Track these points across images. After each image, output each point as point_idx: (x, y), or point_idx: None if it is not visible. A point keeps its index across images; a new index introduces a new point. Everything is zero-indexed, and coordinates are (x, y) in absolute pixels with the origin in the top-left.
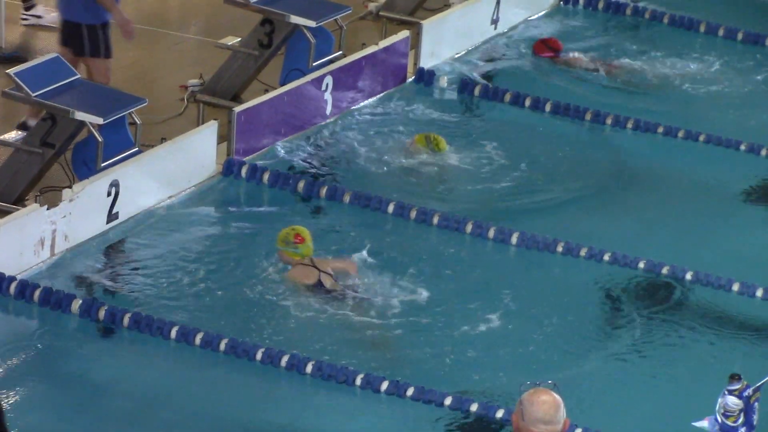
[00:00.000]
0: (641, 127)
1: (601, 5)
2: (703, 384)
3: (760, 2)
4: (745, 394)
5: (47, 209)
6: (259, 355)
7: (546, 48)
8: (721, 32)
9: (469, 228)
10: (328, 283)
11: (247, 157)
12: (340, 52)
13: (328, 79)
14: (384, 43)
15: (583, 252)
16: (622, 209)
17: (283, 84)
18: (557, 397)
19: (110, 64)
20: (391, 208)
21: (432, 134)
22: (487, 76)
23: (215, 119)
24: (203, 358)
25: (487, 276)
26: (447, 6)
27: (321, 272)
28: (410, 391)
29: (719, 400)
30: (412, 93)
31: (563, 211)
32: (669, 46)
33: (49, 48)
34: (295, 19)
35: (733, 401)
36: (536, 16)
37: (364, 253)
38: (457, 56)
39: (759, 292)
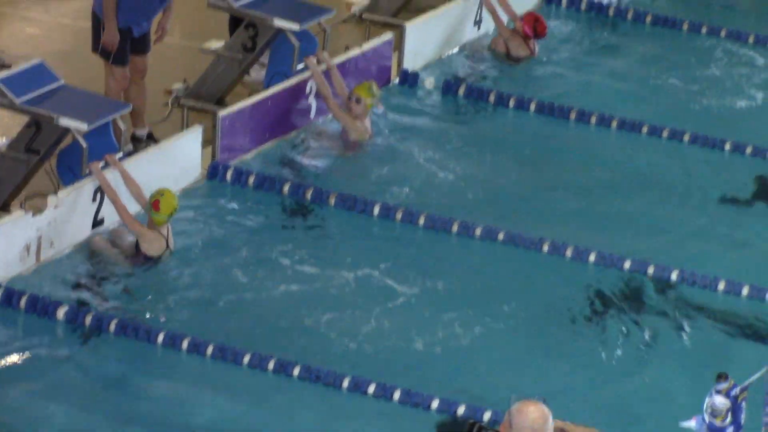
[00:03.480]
0: (626, 125)
1: (583, 5)
2: (690, 383)
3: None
4: (733, 393)
5: (32, 215)
6: (246, 360)
7: (531, 26)
8: (704, 30)
9: (455, 228)
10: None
11: (232, 161)
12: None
13: (312, 83)
14: (367, 46)
15: (568, 251)
16: (608, 209)
17: (267, 87)
18: (546, 409)
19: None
20: (376, 209)
21: (367, 82)
22: (471, 76)
23: (200, 123)
24: (190, 362)
25: (473, 275)
26: (430, 8)
27: (167, 241)
28: (397, 394)
29: (707, 399)
30: (397, 95)
31: (549, 211)
32: (647, 47)
33: (33, 54)
34: (279, 23)
35: (720, 401)
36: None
37: (349, 258)
38: (441, 58)
39: (744, 291)
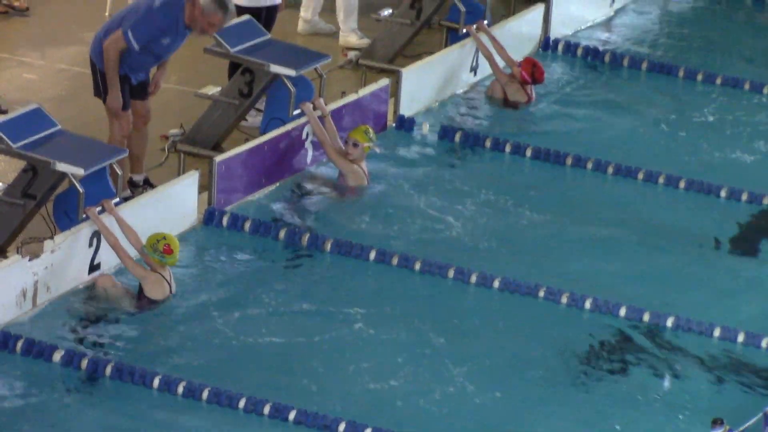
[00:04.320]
0: (622, 171)
1: (580, 51)
2: (686, 429)
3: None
4: None
5: (29, 260)
6: (242, 404)
7: (529, 72)
8: (700, 77)
9: (450, 273)
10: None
11: (228, 206)
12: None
13: (309, 128)
14: (364, 91)
15: (564, 298)
16: (603, 254)
17: (263, 133)
18: None
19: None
20: (372, 255)
21: (363, 126)
22: (467, 122)
23: (196, 169)
24: (186, 406)
25: (469, 321)
26: (426, 54)
27: (170, 284)
28: None
29: None
30: (393, 140)
31: (544, 257)
32: (643, 93)
33: (30, 99)
34: (275, 69)
35: None
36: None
37: (345, 304)
38: (437, 103)
39: (740, 337)
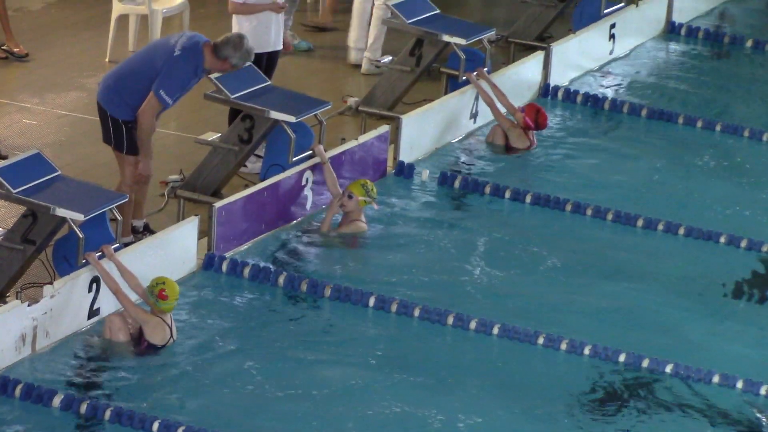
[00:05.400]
0: (621, 218)
1: (579, 98)
2: None
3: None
4: None
5: (28, 306)
6: None
7: (533, 117)
8: (699, 124)
9: (450, 320)
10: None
11: (228, 252)
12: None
13: (308, 174)
14: (363, 138)
15: (563, 345)
16: (602, 302)
17: (263, 179)
18: None
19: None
20: (372, 301)
21: (362, 180)
22: (466, 168)
23: (196, 215)
24: None
25: (467, 368)
26: (426, 101)
27: (171, 329)
28: None
29: None
30: (393, 186)
31: (543, 303)
32: (642, 140)
33: (30, 144)
34: (275, 115)
35: None
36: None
37: (344, 349)
38: (437, 149)
39: (739, 384)
